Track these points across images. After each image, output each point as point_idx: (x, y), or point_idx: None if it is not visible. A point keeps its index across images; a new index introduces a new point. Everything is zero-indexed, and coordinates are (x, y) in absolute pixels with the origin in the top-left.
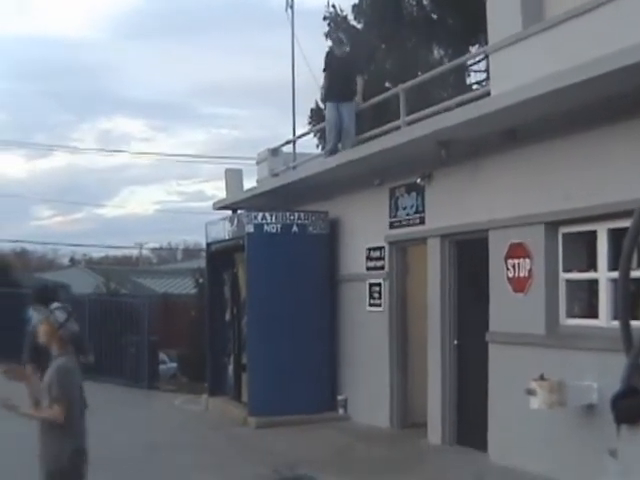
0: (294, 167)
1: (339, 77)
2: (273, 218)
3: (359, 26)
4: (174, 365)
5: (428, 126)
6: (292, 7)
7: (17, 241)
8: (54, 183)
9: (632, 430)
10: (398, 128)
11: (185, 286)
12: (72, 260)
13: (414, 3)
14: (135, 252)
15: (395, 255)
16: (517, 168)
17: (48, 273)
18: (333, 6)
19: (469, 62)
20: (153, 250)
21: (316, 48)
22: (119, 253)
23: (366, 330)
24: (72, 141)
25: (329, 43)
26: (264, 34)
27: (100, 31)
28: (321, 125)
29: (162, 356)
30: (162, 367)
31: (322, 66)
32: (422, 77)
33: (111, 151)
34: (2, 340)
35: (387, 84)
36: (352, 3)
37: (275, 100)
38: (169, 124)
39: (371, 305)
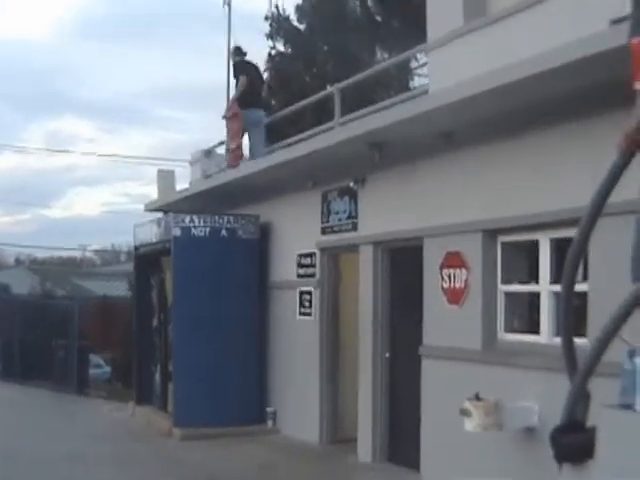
0: (219, 171)
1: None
2: (201, 221)
3: (301, 27)
4: (109, 369)
5: (359, 126)
6: (229, 4)
7: None
8: (0, 183)
9: (576, 469)
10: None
11: (125, 288)
12: (17, 260)
13: (358, 4)
14: (79, 254)
15: (327, 262)
16: (454, 173)
17: None
18: (276, 6)
19: (414, 65)
20: (97, 252)
21: (260, 50)
22: (64, 254)
23: (296, 340)
24: (20, 141)
25: (270, 44)
26: (215, 36)
27: (51, 33)
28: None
29: (98, 360)
30: (97, 371)
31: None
32: (358, 76)
33: (58, 151)
34: None
35: (328, 87)
36: (295, 3)
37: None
38: (117, 126)
39: (301, 314)
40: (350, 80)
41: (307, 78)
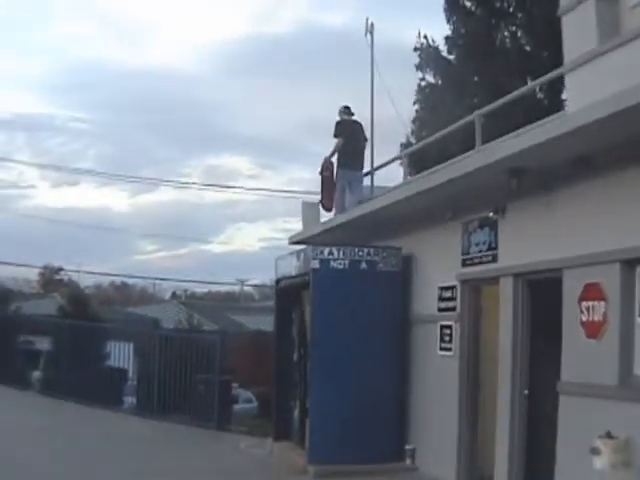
0: (365, 200)
1: (353, 145)
2: (340, 253)
3: (451, 58)
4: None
5: (496, 152)
6: (372, 33)
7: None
8: (160, 218)
9: None
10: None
11: None
12: (174, 295)
13: (507, 35)
14: (237, 288)
15: (467, 295)
16: (592, 200)
17: (143, 307)
18: (425, 37)
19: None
20: (255, 287)
21: (408, 82)
22: (222, 289)
23: (436, 376)
24: (179, 176)
25: (420, 75)
26: (365, 72)
27: (205, 67)
28: (407, 151)
29: (248, 394)
30: (248, 406)
31: (410, 102)
32: (498, 102)
33: (219, 186)
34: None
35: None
36: (444, 34)
37: (379, 136)
38: (276, 161)
39: (442, 349)
40: (491, 106)
41: (457, 110)
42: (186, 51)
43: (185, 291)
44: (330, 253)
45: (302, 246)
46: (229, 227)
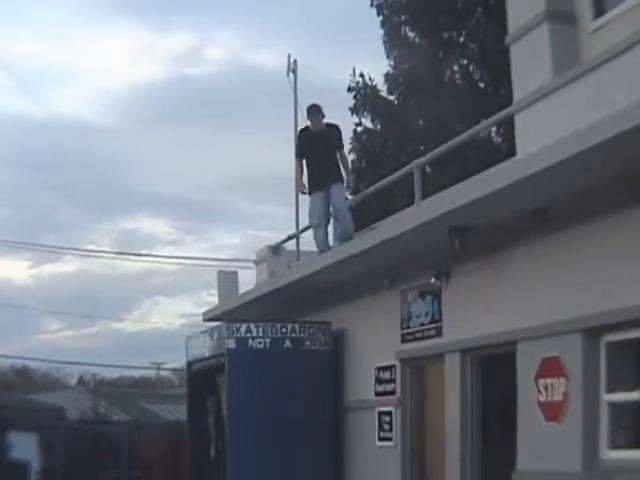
0: (289, 268)
1: (321, 158)
2: (260, 331)
3: (391, 98)
4: None
5: (436, 207)
6: (295, 72)
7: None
8: (65, 292)
9: None
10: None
11: None
12: (81, 380)
13: (458, 69)
14: (153, 373)
15: (409, 376)
16: (549, 261)
17: (47, 394)
18: (361, 75)
19: None
20: (174, 371)
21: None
22: (136, 374)
23: (375, 469)
24: (86, 243)
25: (355, 119)
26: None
27: (117, 118)
28: None
29: None
30: None
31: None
32: (440, 149)
33: (131, 254)
34: None
35: (428, 169)
36: (383, 71)
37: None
38: (199, 224)
39: (381, 439)
40: (433, 153)
41: (402, 158)
42: (96, 100)
43: (94, 376)
44: (248, 330)
45: (218, 322)
46: (145, 302)
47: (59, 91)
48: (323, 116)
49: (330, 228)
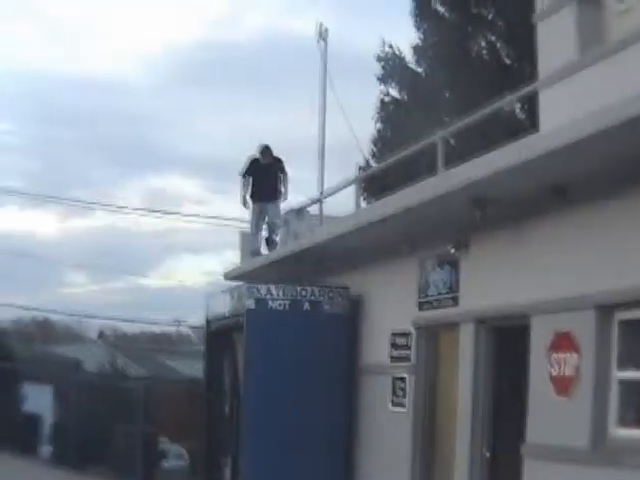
0: (311, 231)
1: (263, 181)
2: (280, 292)
3: (419, 70)
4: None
5: (458, 178)
6: (325, 40)
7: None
8: (92, 246)
9: None
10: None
11: None
12: (101, 334)
13: (485, 45)
14: (173, 330)
15: (424, 343)
16: (566, 235)
17: (66, 347)
18: (390, 45)
19: None
20: (194, 328)
21: (370, 96)
22: (157, 330)
23: (387, 436)
24: (116, 199)
25: (383, 89)
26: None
27: (150, 77)
28: (360, 175)
29: (179, 450)
30: (179, 463)
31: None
32: (463, 121)
33: (160, 212)
34: None
35: (452, 141)
36: (412, 43)
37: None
38: (228, 185)
39: (394, 404)
40: (456, 125)
41: (426, 129)
42: (129, 59)
43: (115, 330)
44: (268, 292)
45: (239, 282)
46: (170, 259)
47: (94, 47)
48: (271, 154)
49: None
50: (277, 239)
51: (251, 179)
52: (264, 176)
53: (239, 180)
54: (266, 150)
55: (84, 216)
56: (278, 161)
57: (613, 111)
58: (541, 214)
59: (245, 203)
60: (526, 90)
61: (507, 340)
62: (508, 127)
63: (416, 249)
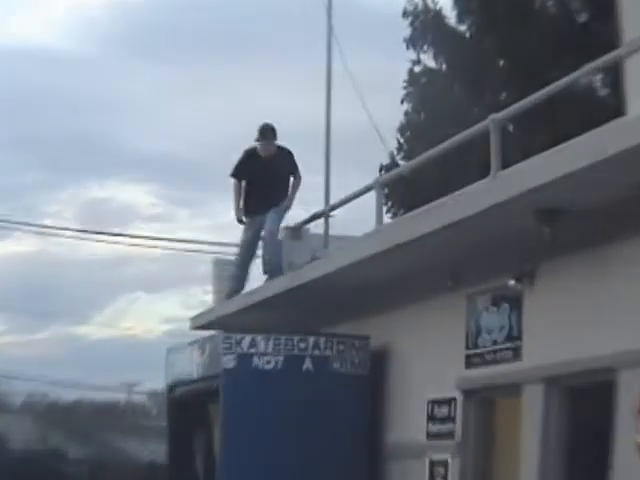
0: (313, 258)
1: (263, 184)
2: (270, 345)
3: (462, 29)
4: None
5: (518, 182)
6: None
7: None
8: (10, 281)
9: None
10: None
11: None
12: (27, 403)
13: None
14: (123, 396)
15: (474, 413)
16: None
17: None
18: None
19: None
20: (150, 395)
21: (393, 67)
22: (100, 396)
23: None
24: (43, 216)
25: (412, 56)
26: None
27: (87, 47)
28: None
29: None
30: None
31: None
32: (527, 100)
33: (102, 234)
34: None
35: (510, 127)
36: None
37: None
38: (194, 195)
39: None
40: (514, 107)
41: (475, 110)
42: (70, 23)
43: (45, 396)
44: (253, 344)
45: (212, 332)
46: (117, 299)
47: (24, 11)
48: (275, 140)
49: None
50: (277, 258)
51: (245, 182)
52: (265, 176)
53: (229, 184)
54: (267, 133)
55: (2, 239)
56: (287, 154)
57: None
58: (635, 229)
59: (241, 218)
60: (608, 57)
61: (586, 405)
62: (585, 108)
63: (462, 282)
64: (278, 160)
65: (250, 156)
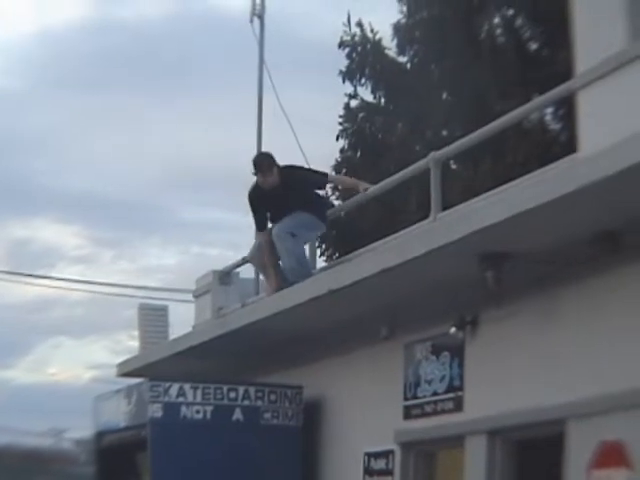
0: (243, 305)
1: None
2: (198, 394)
3: (403, 60)
4: None
5: (460, 224)
6: (261, 17)
7: None
8: None
9: None
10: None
11: None
12: None
13: (499, 23)
14: (50, 443)
15: (413, 467)
16: (620, 305)
17: None
18: (359, 25)
19: None
20: (79, 442)
21: (327, 99)
22: (28, 442)
23: None
24: None
25: (349, 89)
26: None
27: (10, 78)
28: None
29: None
30: None
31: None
32: (466, 139)
33: (26, 276)
34: None
35: (453, 164)
36: (391, 21)
37: None
38: (120, 236)
39: None
40: (457, 144)
41: (416, 147)
42: None
43: None
44: (180, 393)
45: (139, 379)
46: (42, 343)
47: None
48: (273, 168)
49: None
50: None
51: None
52: (276, 207)
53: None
54: (262, 167)
55: None
56: (288, 175)
57: None
58: (583, 274)
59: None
60: (559, 90)
61: (533, 458)
62: (535, 143)
63: (399, 330)
64: (286, 186)
65: (253, 193)
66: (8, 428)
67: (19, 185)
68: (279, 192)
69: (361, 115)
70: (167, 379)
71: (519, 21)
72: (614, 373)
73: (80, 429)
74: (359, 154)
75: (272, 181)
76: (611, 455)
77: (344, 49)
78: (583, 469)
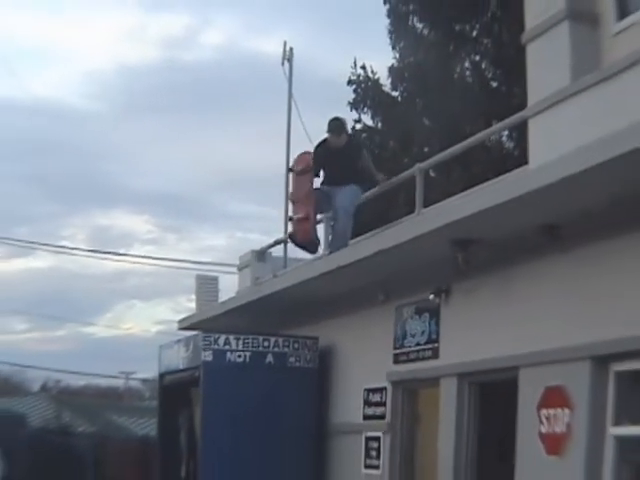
0: (274, 276)
1: (335, 169)
2: (240, 343)
3: (395, 94)
4: None
5: (438, 217)
6: (290, 61)
7: None
8: (33, 290)
9: None
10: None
11: None
12: (43, 387)
13: (469, 66)
14: (121, 383)
15: (400, 400)
16: (558, 280)
17: (6, 400)
18: (363, 67)
19: None
20: (145, 382)
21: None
22: (103, 382)
23: None
24: (59, 239)
25: (355, 116)
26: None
27: (97, 103)
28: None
29: None
30: None
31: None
32: (445, 153)
33: (108, 253)
34: None
35: (432, 173)
36: (387, 64)
37: None
38: (181, 223)
39: (367, 466)
40: (436, 157)
41: (404, 160)
42: (80, 83)
43: (58, 382)
44: (226, 342)
45: (195, 332)
46: (118, 305)
47: (40, 72)
48: (345, 131)
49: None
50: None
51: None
52: (335, 163)
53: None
54: (336, 127)
55: (24, 257)
56: (354, 145)
57: (611, 143)
58: (531, 257)
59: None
60: (514, 118)
61: (493, 396)
62: (495, 157)
63: (392, 296)
64: (347, 151)
65: (319, 148)
66: (88, 372)
67: (102, 184)
68: (341, 154)
69: (363, 135)
70: (216, 332)
71: (484, 64)
72: (555, 332)
73: (147, 372)
74: None
75: (338, 143)
76: (555, 397)
77: (351, 85)
78: (533, 407)
